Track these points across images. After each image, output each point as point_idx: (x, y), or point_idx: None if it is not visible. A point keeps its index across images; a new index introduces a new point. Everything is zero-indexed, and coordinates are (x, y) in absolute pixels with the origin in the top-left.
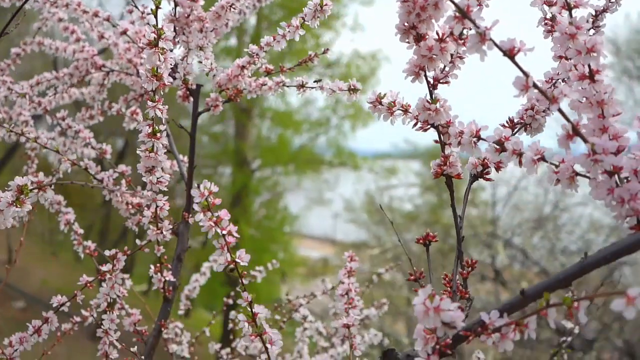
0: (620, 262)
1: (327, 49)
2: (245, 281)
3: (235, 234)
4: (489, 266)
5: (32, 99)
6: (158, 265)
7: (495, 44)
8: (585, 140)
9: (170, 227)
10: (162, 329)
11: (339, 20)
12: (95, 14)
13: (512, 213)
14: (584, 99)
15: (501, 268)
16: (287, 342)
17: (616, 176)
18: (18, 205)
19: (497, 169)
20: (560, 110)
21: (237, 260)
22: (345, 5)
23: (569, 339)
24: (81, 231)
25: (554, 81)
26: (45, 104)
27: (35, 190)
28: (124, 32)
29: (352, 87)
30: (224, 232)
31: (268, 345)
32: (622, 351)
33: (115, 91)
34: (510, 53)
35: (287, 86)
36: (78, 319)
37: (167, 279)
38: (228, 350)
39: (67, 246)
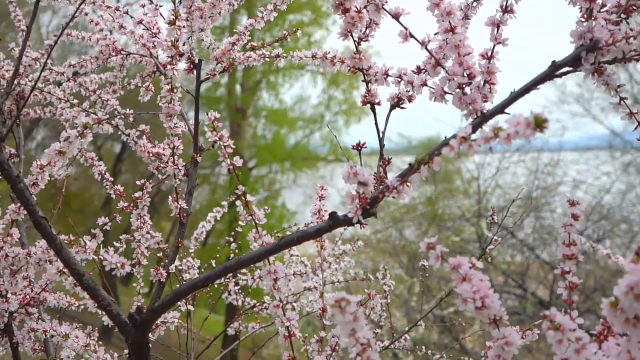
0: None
1: (297, 29)
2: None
3: (232, 146)
4: (476, 246)
5: (70, 78)
6: (175, 195)
7: (387, 11)
8: (443, 68)
9: (184, 163)
10: (179, 245)
11: (330, 18)
12: (117, 9)
13: (501, 195)
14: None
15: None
16: None
17: (468, 89)
18: (82, 137)
19: (409, 100)
20: (428, 51)
21: (234, 162)
22: None
23: (492, 246)
24: (111, 179)
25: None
26: (82, 81)
27: (96, 125)
28: (140, 22)
29: (314, 54)
30: (225, 144)
31: (257, 221)
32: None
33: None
34: (396, 16)
35: (267, 58)
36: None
37: (182, 206)
38: None
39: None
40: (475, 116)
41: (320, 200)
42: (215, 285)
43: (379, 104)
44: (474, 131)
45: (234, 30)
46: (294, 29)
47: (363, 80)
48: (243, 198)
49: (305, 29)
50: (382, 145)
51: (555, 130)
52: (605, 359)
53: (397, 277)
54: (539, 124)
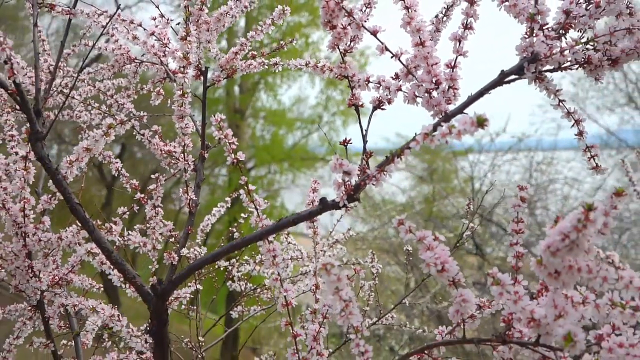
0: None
1: (293, 39)
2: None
3: (236, 143)
4: (470, 240)
5: (89, 82)
6: (185, 188)
7: (365, 28)
8: (413, 76)
9: (193, 159)
10: (189, 232)
11: None
12: (131, 22)
13: (495, 194)
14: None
15: (481, 243)
16: None
17: (435, 93)
18: (107, 136)
19: (389, 102)
20: (400, 61)
21: (238, 157)
22: None
23: (468, 233)
24: (127, 175)
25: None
26: (100, 87)
27: (119, 125)
28: (152, 34)
29: (307, 62)
30: (230, 141)
31: (258, 207)
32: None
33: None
34: (374, 33)
35: (267, 65)
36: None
37: (191, 197)
38: None
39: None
40: (441, 116)
41: (313, 193)
42: (221, 268)
43: (362, 105)
44: (435, 129)
45: (235, 40)
46: (290, 40)
47: (348, 86)
48: (245, 187)
49: (302, 30)
50: (365, 142)
51: (550, 129)
52: (538, 308)
53: (394, 274)
54: (481, 122)
